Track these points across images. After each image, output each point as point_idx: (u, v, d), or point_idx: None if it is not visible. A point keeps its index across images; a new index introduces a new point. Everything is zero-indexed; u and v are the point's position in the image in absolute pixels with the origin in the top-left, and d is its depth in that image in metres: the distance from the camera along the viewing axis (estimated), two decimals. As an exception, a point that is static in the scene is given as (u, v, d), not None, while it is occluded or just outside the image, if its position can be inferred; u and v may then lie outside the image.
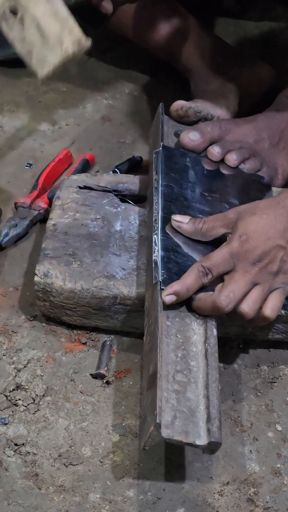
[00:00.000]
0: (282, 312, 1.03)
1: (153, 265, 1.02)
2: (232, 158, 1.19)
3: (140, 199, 1.21)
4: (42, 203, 1.27)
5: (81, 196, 1.19)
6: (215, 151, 1.19)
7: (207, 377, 0.94)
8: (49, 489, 0.97)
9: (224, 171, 1.18)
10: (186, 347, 0.97)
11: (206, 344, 0.97)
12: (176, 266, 1.01)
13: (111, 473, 0.99)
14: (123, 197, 1.21)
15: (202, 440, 0.89)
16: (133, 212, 1.17)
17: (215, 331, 0.99)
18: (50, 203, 1.26)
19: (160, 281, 0.99)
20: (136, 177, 1.24)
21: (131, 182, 1.22)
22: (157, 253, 1.02)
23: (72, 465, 0.99)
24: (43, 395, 1.05)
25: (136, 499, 0.96)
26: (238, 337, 1.11)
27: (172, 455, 1.00)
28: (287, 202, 1.03)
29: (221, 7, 1.65)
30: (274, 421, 1.04)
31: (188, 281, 0.99)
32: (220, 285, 0.99)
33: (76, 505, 0.96)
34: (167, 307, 0.99)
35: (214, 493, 0.97)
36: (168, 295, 0.98)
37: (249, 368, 1.09)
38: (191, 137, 1.19)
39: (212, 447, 0.90)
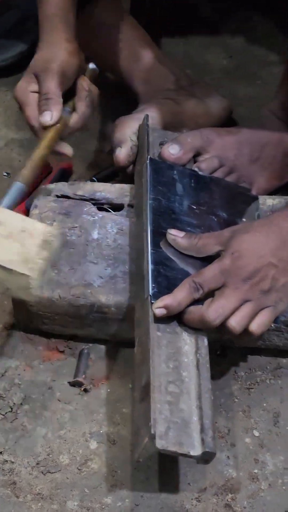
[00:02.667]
0: (273, 325, 1.04)
1: (144, 279, 1.02)
2: (201, 167, 1.19)
3: (117, 207, 1.22)
4: (19, 212, 1.27)
5: (59, 205, 1.20)
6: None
7: (199, 387, 0.95)
8: (27, 497, 0.97)
9: (212, 185, 1.19)
10: (178, 357, 0.97)
11: (198, 355, 0.98)
12: (166, 280, 1.02)
13: (89, 480, 0.99)
14: (101, 205, 1.22)
15: (196, 451, 0.89)
16: (110, 221, 1.18)
17: (206, 341, 1.00)
18: (27, 212, 1.26)
19: (150, 295, 1.00)
20: (113, 185, 1.25)
21: (108, 191, 1.23)
22: (148, 267, 1.02)
23: (50, 473, 0.99)
24: (21, 403, 1.05)
25: (114, 506, 0.97)
26: (215, 343, 1.11)
27: (150, 461, 1.00)
28: (280, 220, 1.02)
29: (198, 16, 1.67)
30: (251, 427, 1.05)
31: (179, 295, 0.99)
32: (209, 299, 0.99)
33: (54, 513, 0.96)
34: (158, 319, 0.99)
35: (192, 499, 0.97)
36: (158, 308, 0.98)
37: (226, 374, 1.10)
38: (171, 150, 1.19)
39: (206, 457, 0.90)
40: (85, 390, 1.07)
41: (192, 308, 0.99)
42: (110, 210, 1.21)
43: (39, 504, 0.96)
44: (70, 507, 0.96)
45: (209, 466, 1.00)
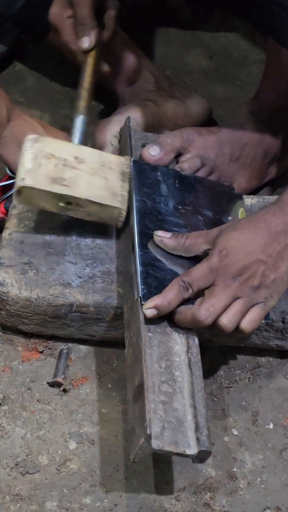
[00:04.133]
0: (263, 322, 1.05)
1: (133, 281, 1.02)
2: (183, 167, 1.19)
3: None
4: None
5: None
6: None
7: (192, 386, 0.95)
8: (5, 498, 0.97)
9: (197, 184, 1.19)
10: (169, 357, 0.97)
11: (189, 354, 0.98)
12: (155, 281, 1.02)
13: (68, 480, 0.99)
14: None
15: (192, 450, 0.90)
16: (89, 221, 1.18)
17: (197, 341, 1.00)
18: (6, 213, 1.25)
19: (140, 297, 0.99)
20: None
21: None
22: (136, 269, 1.02)
23: (29, 473, 0.99)
24: (0, 404, 1.05)
25: (93, 506, 0.96)
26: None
27: (129, 461, 1.00)
28: (268, 217, 1.02)
29: (177, 18, 1.67)
30: (230, 425, 1.05)
31: (169, 295, 0.99)
32: (200, 299, 0.99)
33: (32, 513, 0.96)
34: (149, 320, 0.99)
35: (171, 498, 0.98)
36: (149, 309, 0.98)
37: (205, 373, 1.10)
38: (151, 152, 1.19)
39: (202, 456, 0.90)
40: (64, 390, 1.07)
41: (182, 308, 0.99)
42: None
43: (18, 505, 0.96)
44: (49, 508, 0.96)
45: (188, 465, 1.00)
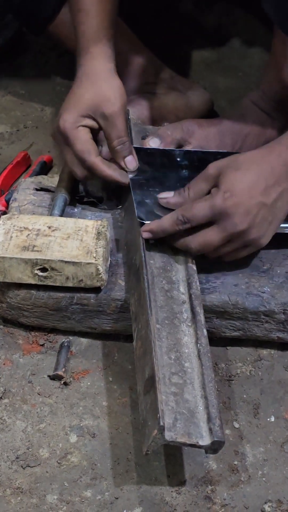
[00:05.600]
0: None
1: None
2: None
3: (97, 200, 1.21)
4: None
5: (38, 198, 1.19)
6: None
7: (203, 377, 0.95)
8: (6, 491, 0.96)
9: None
10: (178, 349, 0.98)
11: (198, 345, 0.98)
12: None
13: (68, 474, 0.98)
14: (80, 198, 1.21)
15: (205, 440, 0.90)
16: (90, 213, 1.18)
17: (205, 332, 1.00)
18: (7, 205, 1.25)
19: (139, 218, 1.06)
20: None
21: (88, 184, 1.22)
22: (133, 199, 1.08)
23: (30, 467, 0.99)
24: (1, 397, 1.05)
25: (94, 499, 0.96)
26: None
27: (130, 454, 1.00)
28: (272, 158, 1.02)
29: (179, 9, 1.66)
30: (232, 418, 1.04)
31: (165, 224, 1.04)
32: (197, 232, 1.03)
33: (33, 507, 0.95)
34: (155, 306, 1.00)
35: (172, 491, 0.97)
36: (144, 232, 1.05)
37: (207, 366, 1.10)
38: (152, 144, 1.19)
39: (215, 446, 0.90)
40: (65, 384, 1.07)
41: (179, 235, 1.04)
42: (93, 200, 1.20)
43: (19, 498, 0.96)
44: (50, 501, 0.96)
45: (189, 458, 1.00)
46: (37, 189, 1.21)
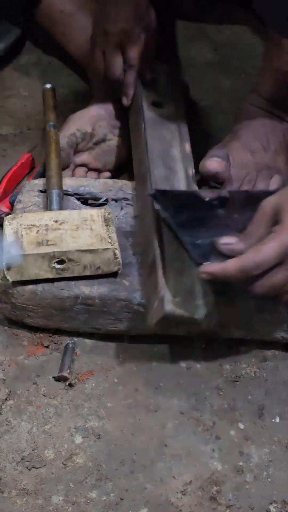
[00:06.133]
0: None
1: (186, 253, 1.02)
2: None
3: (102, 202, 1.22)
4: (3, 207, 1.27)
5: (42, 200, 1.19)
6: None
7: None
8: (11, 492, 0.97)
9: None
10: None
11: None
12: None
13: (74, 475, 0.99)
14: (85, 200, 1.21)
15: (200, 313, 0.99)
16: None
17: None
18: (12, 207, 1.25)
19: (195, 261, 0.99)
20: (97, 180, 1.24)
21: (93, 186, 1.22)
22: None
23: (35, 468, 0.99)
24: (6, 399, 1.05)
25: (99, 500, 0.96)
26: (201, 337, 1.11)
27: (135, 455, 1.00)
28: None
29: (181, 10, 1.66)
30: (237, 419, 1.05)
31: (230, 270, 0.94)
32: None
33: (38, 508, 0.95)
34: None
35: (177, 492, 0.97)
36: (204, 273, 0.95)
37: (212, 367, 1.10)
38: (217, 160, 1.15)
39: (210, 318, 1.01)
40: (70, 385, 1.07)
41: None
42: (96, 202, 1.21)
43: (24, 499, 0.96)
44: (55, 502, 0.96)
45: (194, 459, 1.00)
46: (41, 191, 1.21)
